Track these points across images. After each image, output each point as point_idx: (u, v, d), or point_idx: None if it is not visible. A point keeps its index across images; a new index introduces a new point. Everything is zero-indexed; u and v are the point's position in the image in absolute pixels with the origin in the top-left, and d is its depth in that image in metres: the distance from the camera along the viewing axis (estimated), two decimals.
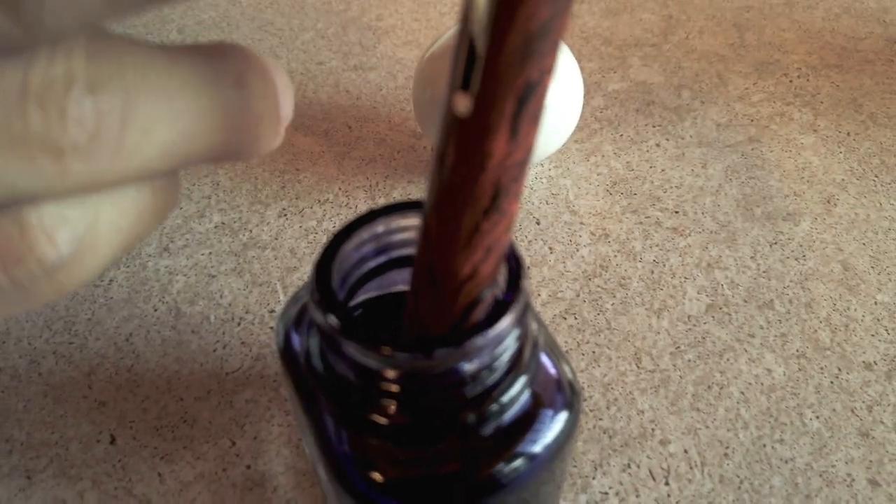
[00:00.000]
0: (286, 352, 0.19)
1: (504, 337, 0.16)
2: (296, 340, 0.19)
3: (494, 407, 0.17)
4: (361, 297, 0.20)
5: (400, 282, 0.20)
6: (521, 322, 0.16)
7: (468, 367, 0.16)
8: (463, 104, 0.11)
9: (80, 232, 0.10)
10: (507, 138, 0.11)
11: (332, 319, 0.16)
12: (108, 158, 0.10)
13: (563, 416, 0.18)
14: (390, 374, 0.16)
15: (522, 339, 0.17)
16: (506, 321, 0.16)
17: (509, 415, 0.17)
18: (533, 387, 0.18)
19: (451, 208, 0.12)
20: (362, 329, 0.16)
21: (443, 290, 0.14)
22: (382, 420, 0.17)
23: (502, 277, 0.17)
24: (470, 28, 0.10)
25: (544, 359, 0.19)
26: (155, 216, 0.12)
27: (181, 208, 0.32)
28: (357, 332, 0.15)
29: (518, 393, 0.17)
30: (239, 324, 0.28)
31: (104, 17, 0.09)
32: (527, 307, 0.17)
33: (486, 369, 0.16)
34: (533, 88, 0.11)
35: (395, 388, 0.16)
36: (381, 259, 0.19)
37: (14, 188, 0.09)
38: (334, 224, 0.32)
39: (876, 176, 0.34)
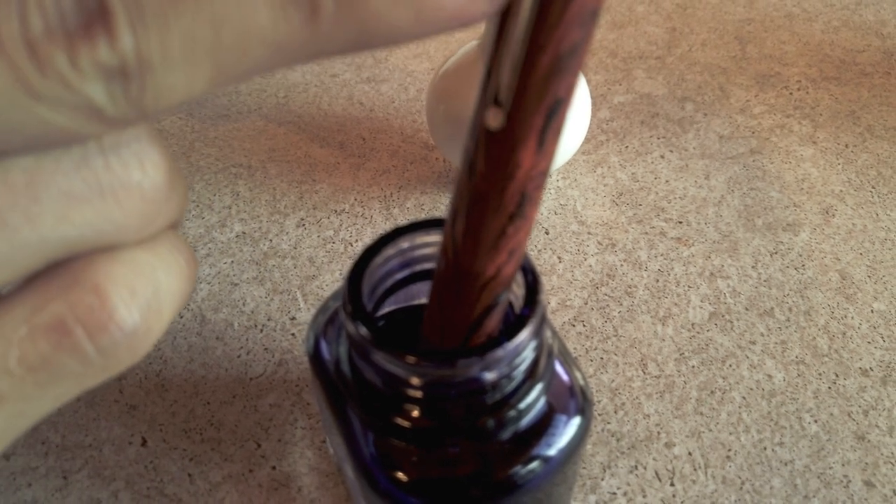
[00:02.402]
0: (316, 358, 0.20)
1: (523, 348, 0.17)
2: (324, 347, 0.20)
3: (512, 413, 0.18)
4: (386, 308, 0.21)
5: (421, 294, 0.21)
6: (538, 334, 0.17)
7: (488, 376, 0.17)
8: (495, 118, 0.12)
9: (149, 298, 0.11)
10: (535, 150, 0.12)
11: (363, 330, 0.17)
12: None
13: (576, 422, 0.19)
14: (415, 381, 0.17)
15: (539, 350, 0.18)
16: (524, 334, 0.17)
17: (526, 420, 0.18)
18: (548, 393, 0.19)
19: (480, 214, 0.13)
20: (391, 339, 0.17)
21: (467, 291, 0.15)
22: (407, 424, 0.18)
23: (521, 291, 0.18)
24: (505, 48, 0.11)
25: (558, 366, 0.20)
26: (192, 280, 0.13)
27: (203, 218, 0.34)
28: (386, 342, 0.17)
29: (534, 400, 0.18)
30: (261, 330, 0.29)
31: (203, 96, 0.10)
32: (543, 319, 0.18)
33: (504, 378, 0.17)
34: (560, 104, 0.12)
35: (419, 394, 0.18)
36: (405, 273, 0.20)
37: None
38: (351, 234, 0.33)
39: (873, 187, 0.35)
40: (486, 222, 0.13)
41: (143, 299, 0.11)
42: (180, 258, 0.13)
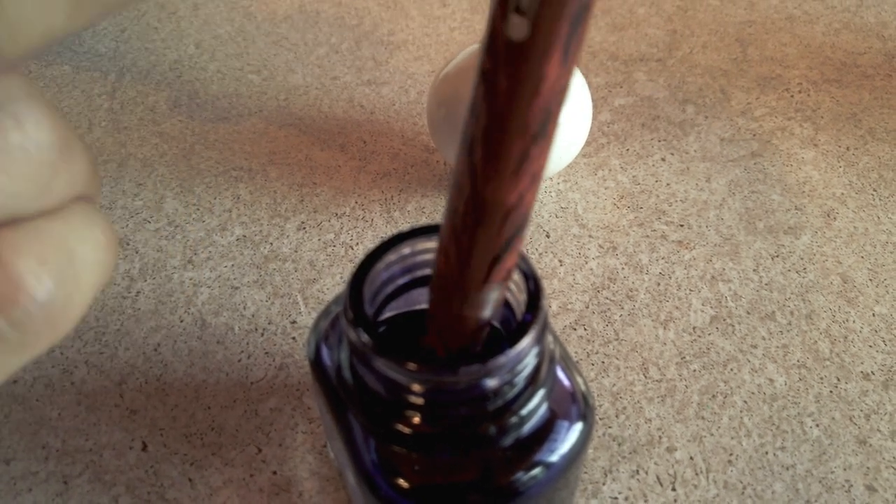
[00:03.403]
0: (317, 364, 0.20)
1: (525, 355, 0.17)
2: (326, 353, 0.20)
3: (514, 419, 0.18)
4: (387, 313, 0.21)
5: (421, 300, 0.21)
6: (540, 340, 0.17)
7: (490, 382, 0.17)
8: (518, 28, 0.11)
9: (62, 267, 0.11)
10: (560, 61, 0.11)
11: (365, 337, 0.17)
12: None
13: (578, 427, 0.19)
14: (417, 388, 0.17)
15: (541, 356, 0.18)
16: (526, 340, 0.17)
17: (528, 427, 0.18)
18: (549, 399, 0.19)
19: (502, 136, 0.13)
20: (392, 346, 0.17)
21: (488, 222, 0.14)
22: (408, 430, 0.18)
23: (522, 297, 0.18)
24: None
25: (559, 372, 0.20)
26: (113, 251, 0.13)
27: (203, 221, 0.34)
28: (388, 349, 0.17)
29: (536, 406, 0.18)
30: (262, 334, 0.29)
31: (64, 35, 0.09)
32: (545, 325, 0.18)
33: (506, 385, 0.17)
34: (584, 10, 0.11)
35: (420, 400, 0.18)
36: (406, 278, 0.20)
37: None
38: (352, 237, 0.33)
39: (874, 190, 0.35)
40: (508, 145, 0.13)
41: (54, 268, 0.11)
42: (96, 228, 0.12)
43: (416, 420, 0.18)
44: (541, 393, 0.18)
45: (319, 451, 0.26)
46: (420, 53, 0.43)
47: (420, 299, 0.21)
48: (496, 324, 0.22)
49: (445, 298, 0.16)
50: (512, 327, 0.20)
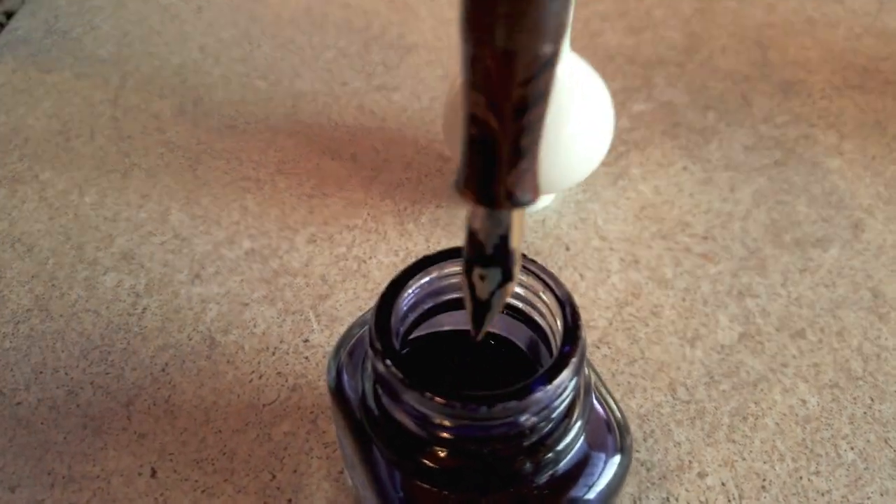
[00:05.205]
0: (338, 393, 0.19)
1: (564, 389, 0.16)
2: (348, 381, 0.19)
3: (549, 455, 0.17)
4: (412, 336, 0.20)
5: (445, 322, 0.20)
6: (578, 371, 0.16)
7: (526, 418, 0.16)
8: None
9: None
10: None
11: (394, 370, 0.16)
12: None
13: (615, 461, 0.18)
14: (448, 422, 0.16)
15: (578, 388, 0.17)
16: (565, 373, 0.16)
17: (564, 462, 0.17)
18: (586, 430, 0.18)
19: None
20: (422, 379, 0.16)
21: None
22: (437, 466, 0.17)
23: (558, 325, 0.17)
24: None
25: (594, 401, 0.19)
26: None
27: (210, 234, 0.32)
28: (419, 383, 0.16)
29: (573, 440, 0.17)
30: (273, 353, 0.28)
31: None
32: (584, 356, 0.17)
33: (543, 420, 0.16)
34: None
35: (451, 435, 0.17)
36: (430, 303, 0.19)
37: None
38: (364, 251, 0.32)
39: None
40: None
41: None
42: None
43: (447, 456, 0.17)
44: (577, 426, 0.17)
45: (336, 478, 0.25)
46: (431, 57, 0.42)
47: (444, 322, 0.20)
48: (522, 346, 0.21)
49: (484, 33, 0.11)
50: (546, 357, 0.19)
